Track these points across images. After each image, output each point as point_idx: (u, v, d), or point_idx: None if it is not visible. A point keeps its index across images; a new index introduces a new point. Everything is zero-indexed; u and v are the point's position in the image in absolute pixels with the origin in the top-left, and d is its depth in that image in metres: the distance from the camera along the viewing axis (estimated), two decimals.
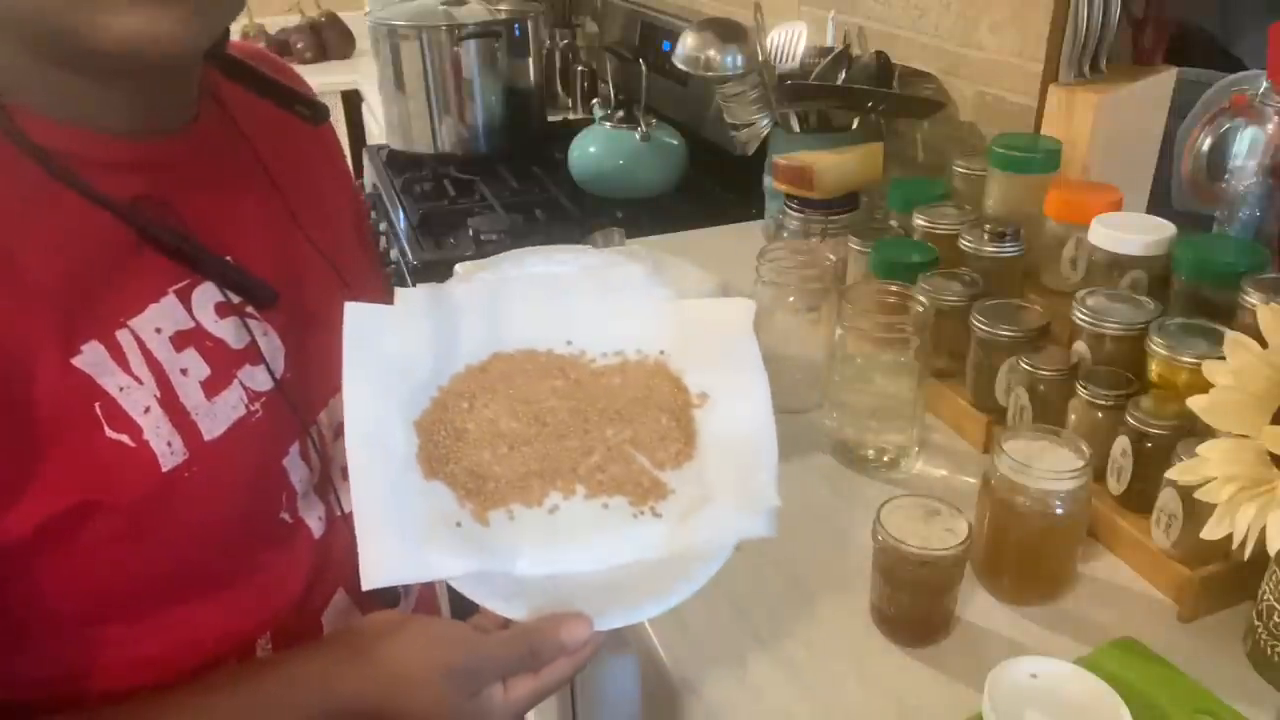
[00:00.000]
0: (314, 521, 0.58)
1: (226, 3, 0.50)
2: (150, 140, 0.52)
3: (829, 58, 1.31)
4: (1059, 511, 0.71)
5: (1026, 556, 0.74)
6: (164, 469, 0.48)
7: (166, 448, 0.48)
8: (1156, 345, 0.76)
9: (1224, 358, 0.66)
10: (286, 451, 0.55)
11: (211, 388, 0.51)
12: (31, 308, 0.45)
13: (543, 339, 0.60)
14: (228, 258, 0.54)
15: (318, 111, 0.62)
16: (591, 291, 0.61)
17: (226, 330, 0.53)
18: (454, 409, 0.56)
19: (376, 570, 0.47)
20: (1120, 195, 0.94)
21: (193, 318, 0.51)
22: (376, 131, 2.31)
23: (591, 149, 1.64)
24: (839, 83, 1.29)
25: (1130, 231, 0.85)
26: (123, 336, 0.48)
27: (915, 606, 0.71)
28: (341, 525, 0.59)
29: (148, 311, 0.49)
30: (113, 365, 0.47)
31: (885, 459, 0.92)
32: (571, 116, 2.22)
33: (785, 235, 1.21)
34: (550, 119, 2.09)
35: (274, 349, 0.55)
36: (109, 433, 0.47)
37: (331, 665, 0.52)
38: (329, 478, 0.58)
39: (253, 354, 0.53)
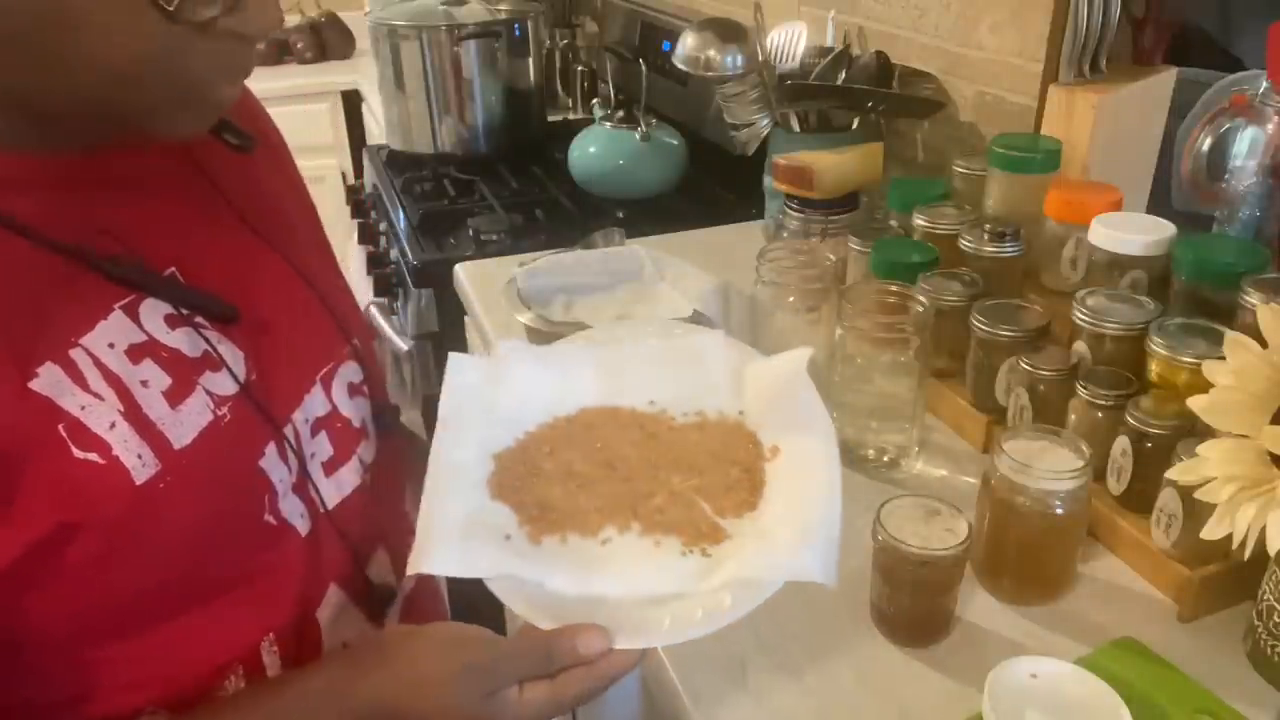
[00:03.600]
0: (298, 520, 0.57)
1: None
2: (82, 156, 0.50)
3: (829, 58, 1.31)
4: (1059, 511, 0.71)
5: (1026, 556, 0.74)
6: (138, 482, 0.48)
7: (137, 460, 0.48)
8: (1156, 345, 0.76)
9: (1224, 358, 0.66)
10: (262, 453, 0.55)
11: (175, 396, 0.50)
12: None
13: (627, 398, 0.64)
14: (173, 269, 0.53)
15: (245, 141, 0.60)
16: (675, 359, 0.66)
17: (180, 340, 0.52)
18: (535, 451, 0.60)
19: (422, 559, 0.51)
20: (1120, 195, 0.94)
21: (143, 331, 0.50)
22: (376, 131, 2.31)
23: (591, 149, 1.64)
24: (839, 83, 1.30)
25: (1130, 231, 0.85)
26: (77, 355, 0.47)
27: (915, 606, 0.71)
28: (326, 521, 0.59)
29: (97, 329, 0.48)
30: (71, 385, 0.47)
31: (885, 459, 0.92)
32: (571, 116, 2.22)
33: (785, 235, 1.21)
34: (550, 119, 2.09)
35: (233, 355, 0.55)
36: (76, 452, 0.46)
37: (350, 672, 0.53)
38: (307, 475, 0.58)
39: (211, 361, 0.53)
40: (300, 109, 2.75)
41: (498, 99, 1.87)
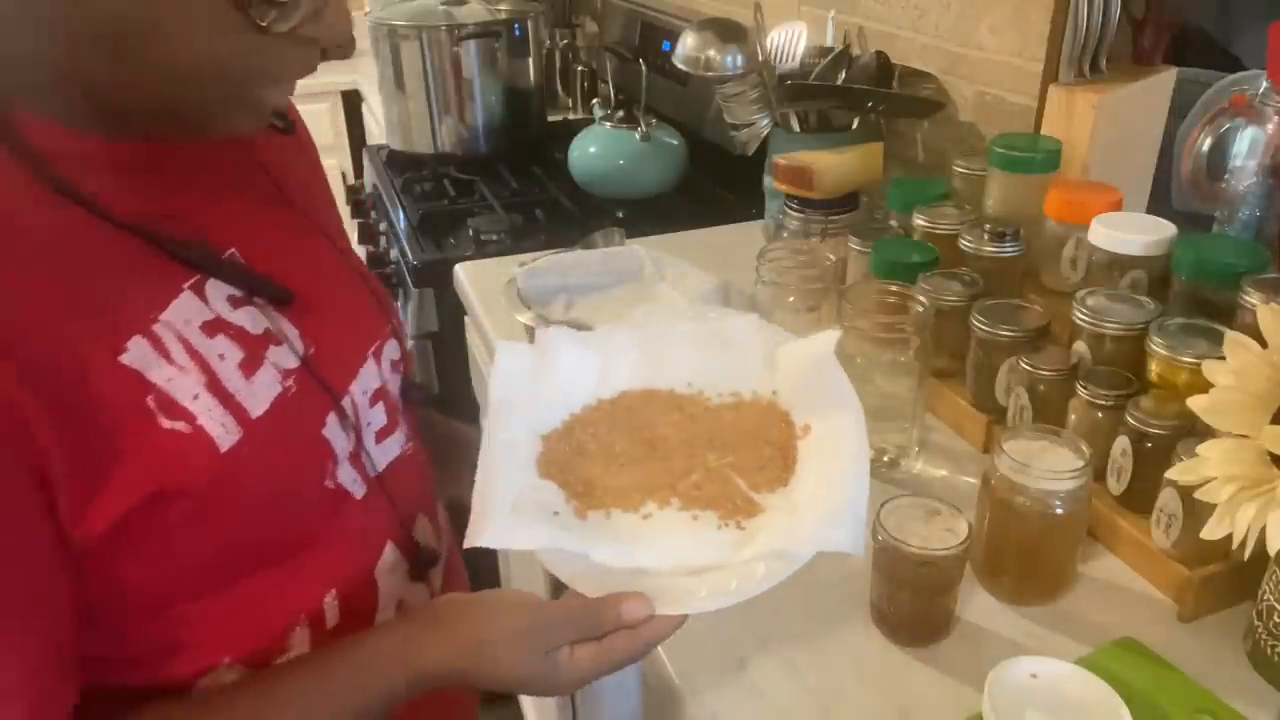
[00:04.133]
0: (354, 486, 0.60)
1: None
2: (144, 142, 0.53)
3: (829, 58, 1.31)
4: (1059, 511, 0.71)
5: (1026, 556, 0.74)
6: (222, 449, 0.51)
7: (221, 429, 0.51)
8: (1156, 345, 0.76)
9: (1224, 358, 0.66)
10: (324, 422, 0.58)
11: (248, 368, 0.53)
12: (74, 313, 0.47)
13: (665, 381, 0.68)
14: (232, 251, 0.56)
15: (288, 124, 0.65)
16: (710, 342, 0.70)
17: (243, 318, 0.54)
18: (580, 432, 0.64)
19: (477, 535, 0.55)
20: (1120, 195, 0.94)
21: (211, 309, 0.53)
22: (376, 131, 2.31)
23: (591, 149, 1.64)
24: (839, 83, 1.30)
25: (1130, 231, 0.85)
26: (160, 330, 0.50)
27: (915, 606, 0.71)
28: (378, 487, 0.62)
29: (172, 307, 0.51)
30: (157, 358, 0.49)
31: (885, 459, 0.92)
32: (571, 116, 2.22)
33: (785, 235, 1.21)
34: (550, 119, 2.09)
35: (291, 331, 0.57)
36: (165, 423, 0.49)
37: (413, 635, 0.57)
38: (361, 443, 0.61)
39: (274, 337, 0.55)
40: (300, 109, 2.71)
41: (498, 99, 1.87)
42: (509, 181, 1.80)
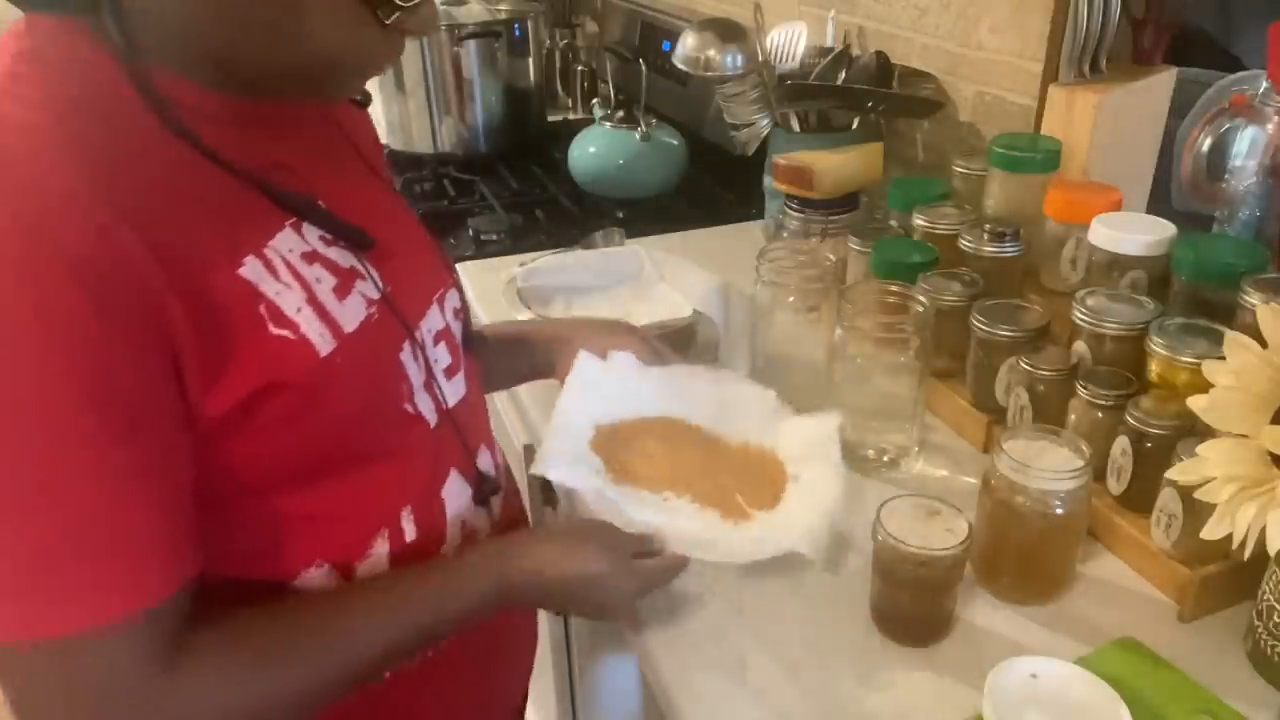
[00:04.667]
0: (428, 413, 0.67)
1: None
2: (254, 101, 0.60)
3: (829, 58, 1.31)
4: (1059, 511, 0.71)
5: (1026, 556, 0.74)
6: (321, 355, 0.58)
7: (320, 338, 0.58)
8: (1156, 345, 0.76)
9: (1224, 358, 0.66)
10: (401, 349, 0.65)
11: (340, 293, 0.61)
12: (200, 229, 0.54)
13: (695, 418, 0.86)
14: (321, 201, 0.63)
15: (366, 99, 0.77)
16: (733, 399, 0.89)
17: (334, 254, 0.62)
18: (625, 432, 0.83)
19: (544, 465, 0.76)
20: (1120, 195, 0.94)
21: (307, 243, 0.60)
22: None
23: (591, 149, 1.64)
24: (839, 83, 1.30)
25: (1130, 231, 0.85)
26: (268, 253, 0.57)
27: (915, 606, 0.71)
28: (448, 417, 0.70)
29: (277, 237, 0.58)
30: (267, 274, 0.56)
31: (885, 459, 0.92)
32: (571, 116, 2.22)
33: (785, 235, 1.21)
34: (550, 119, 2.09)
35: (371, 272, 0.64)
36: (273, 329, 0.56)
37: (502, 547, 0.69)
38: (434, 377, 0.69)
39: (359, 272, 0.63)
40: None
41: (498, 99, 1.87)
42: (509, 181, 1.80)
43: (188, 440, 0.54)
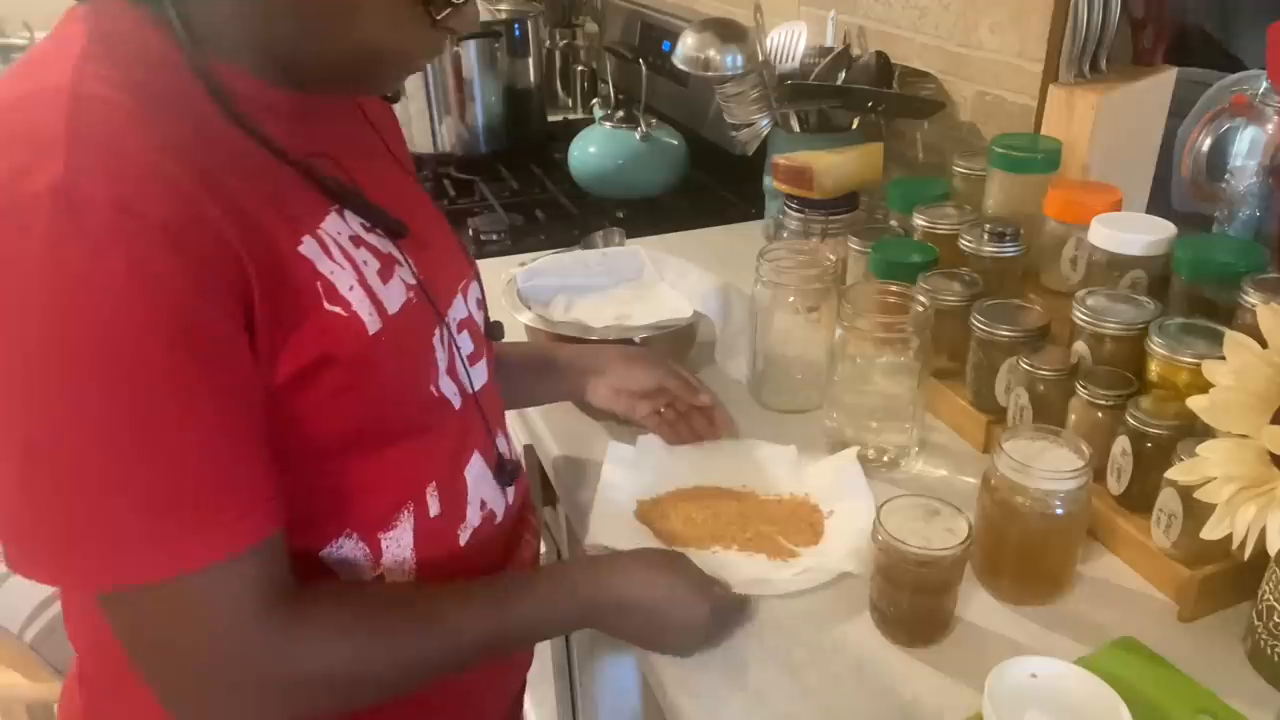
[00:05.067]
0: (453, 396, 0.70)
1: None
2: (302, 95, 0.63)
3: (829, 58, 1.31)
4: (1059, 511, 0.71)
5: (1026, 556, 0.74)
6: (370, 332, 0.60)
7: (370, 317, 0.61)
8: (1156, 345, 0.76)
9: (1224, 358, 0.66)
10: (433, 333, 0.68)
11: (383, 276, 0.63)
12: (264, 208, 0.56)
13: (728, 482, 0.91)
14: (360, 190, 0.66)
15: (398, 92, 0.80)
16: (760, 459, 0.94)
17: (375, 240, 0.64)
18: (665, 503, 0.88)
19: (596, 536, 0.83)
20: (1120, 195, 0.94)
21: (352, 228, 0.63)
22: None
23: (591, 149, 1.64)
24: (839, 83, 1.30)
25: (1130, 231, 0.85)
26: (321, 234, 0.60)
27: (915, 606, 0.71)
28: (472, 401, 0.73)
29: (327, 221, 0.61)
30: (322, 254, 0.59)
31: (885, 459, 0.92)
32: (571, 116, 2.22)
33: (785, 235, 1.21)
34: (550, 119, 2.09)
35: (405, 259, 0.67)
36: (327, 305, 0.59)
37: (594, 570, 0.72)
38: (459, 362, 0.71)
39: (396, 258, 0.65)
40: None
41: (498, 99, 1.87)
42: (509, 181, 1.80)
43: (262, 399, 0.56)
